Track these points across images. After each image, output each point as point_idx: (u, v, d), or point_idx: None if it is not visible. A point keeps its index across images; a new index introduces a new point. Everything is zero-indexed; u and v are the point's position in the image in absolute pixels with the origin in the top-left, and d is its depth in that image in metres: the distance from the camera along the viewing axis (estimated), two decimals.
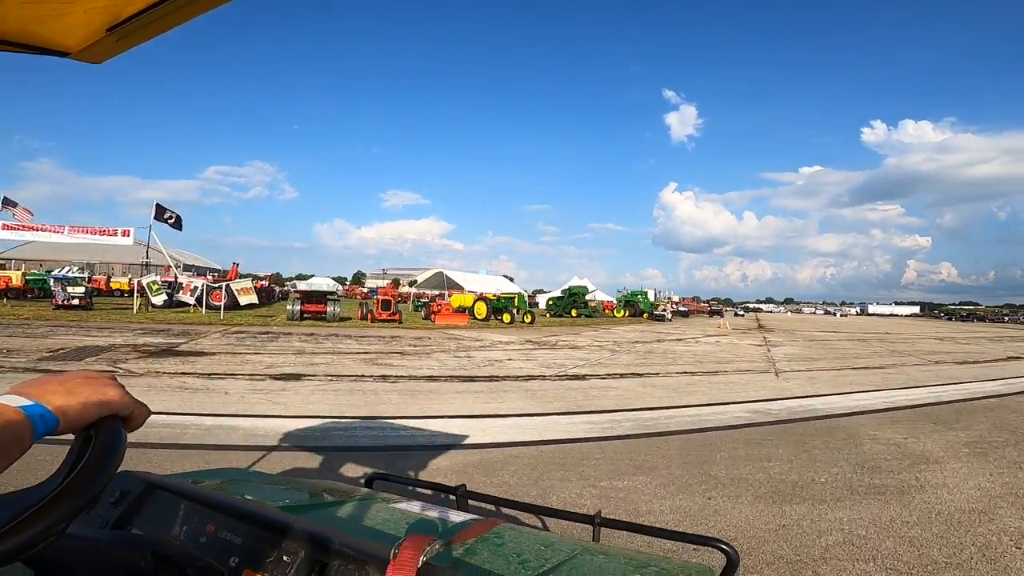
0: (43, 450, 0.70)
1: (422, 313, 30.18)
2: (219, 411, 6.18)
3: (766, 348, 19.08)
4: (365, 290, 71.67)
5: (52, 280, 27.09)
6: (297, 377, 8.90)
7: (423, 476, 4.24)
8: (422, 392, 8.13)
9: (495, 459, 4.86)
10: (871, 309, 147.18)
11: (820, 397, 8.88)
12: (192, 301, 25.16)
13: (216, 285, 26.22)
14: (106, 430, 0.57)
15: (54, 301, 23.14)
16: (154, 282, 25.81)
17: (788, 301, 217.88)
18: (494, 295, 31.80)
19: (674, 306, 56.59)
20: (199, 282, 26.46)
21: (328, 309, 23.44)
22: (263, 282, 43.22)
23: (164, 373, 8.81)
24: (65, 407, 0.54)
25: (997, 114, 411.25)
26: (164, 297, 25.46)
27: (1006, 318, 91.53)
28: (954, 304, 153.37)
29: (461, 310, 29.55)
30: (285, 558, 0.78)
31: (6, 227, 25.72)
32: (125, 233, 26.15)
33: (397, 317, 24.61)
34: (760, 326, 39.25)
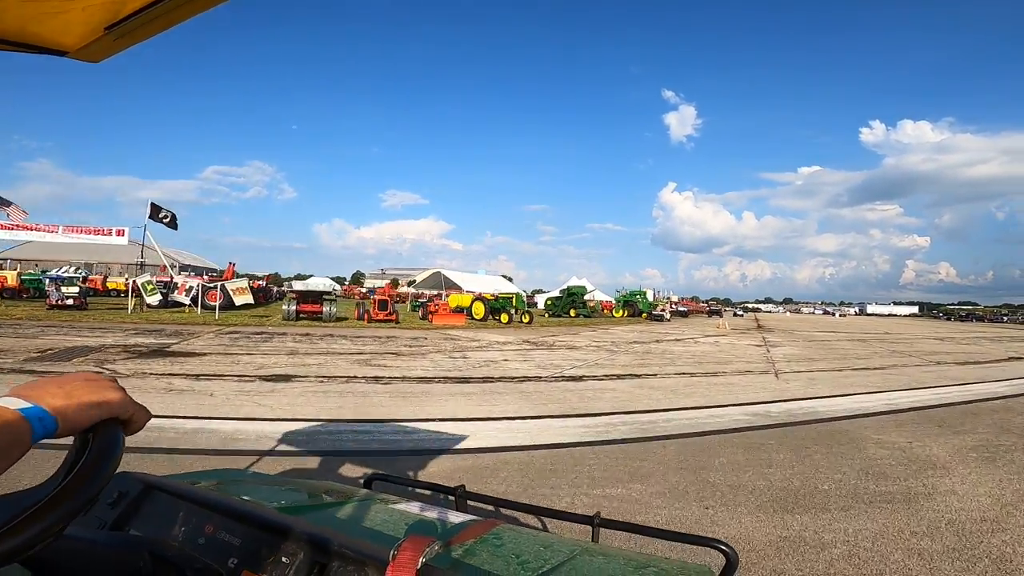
0: (44, 452, 0.67)
1: (419, 313, 29.98)
2: (201, 414, 5.99)
3: (765, 348, 18.89)
4: (363, 290, 71.51)
5: (47, 280, 26.88)
6: (287, 378, 8.71)
7: None
8: (414, 394, 7.93)
9: (484, 465, 4.67)
10: (870, 309, 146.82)
11: (821, 399, 8.68)
12: (187, 301, 24.93)
13: (212, 285, 25.98)
14: (104, 433, 0.57)
15: (48, 301, 22.95)
16: (149, 282, 25.59)
17: (787, 301, 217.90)
18: (492, 295, 31.61)
19: (673, 306, 56.29)
20: (194, 282, 26.19)
21: (324, 309, 23.30)
22: (260, 282, 43.03)
23: (151, 374, 8.62)
24: (64, 409, 0.54)
25: (996, 114, 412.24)
26: (159, 297, 25.24)
27: (1005, 318, 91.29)
28: (953, 304, 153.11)
29: (459, 310, 29.37)
30: (284, 559, 0.78)
31: (0, 227, 25.48)
32: (120, 233, 25.86)
33: (394, 317, 24.43)
34: (759, 326, 39.06)
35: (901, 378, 11.65)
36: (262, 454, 4.59)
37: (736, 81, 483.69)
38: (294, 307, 22.90)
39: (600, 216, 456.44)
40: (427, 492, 2.37)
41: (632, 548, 1.95)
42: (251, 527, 0.83)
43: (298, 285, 30.06)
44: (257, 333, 17.06)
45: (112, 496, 0.93)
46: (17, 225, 25.56)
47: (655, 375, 10.96)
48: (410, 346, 15.07)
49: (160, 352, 11.46)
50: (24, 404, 0.52)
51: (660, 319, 42.19)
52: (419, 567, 0.69)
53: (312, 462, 4.54)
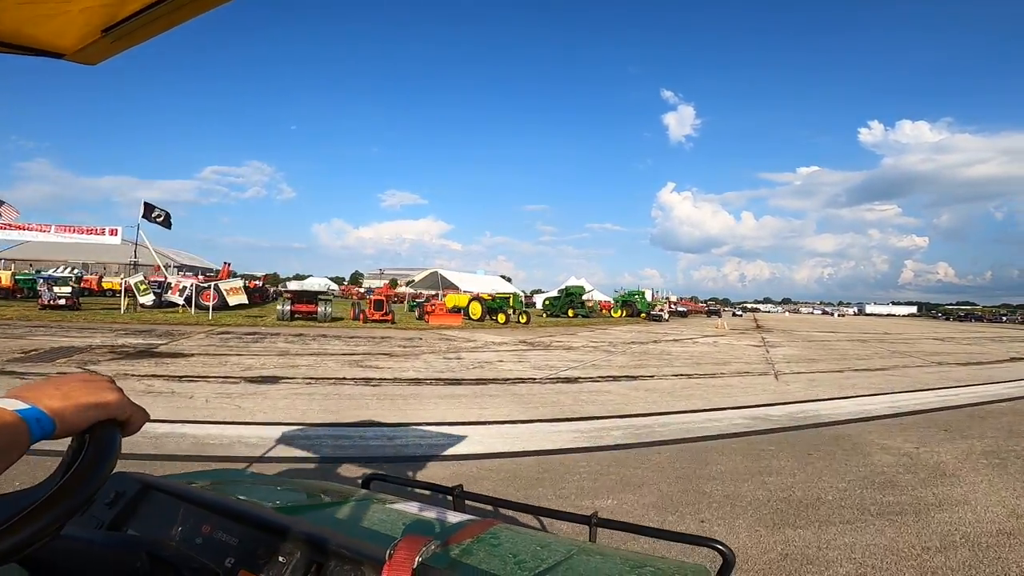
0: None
1: (416, 313, 29.73)
2: (174, 417, 5.73)
3: (765, 349, 18.65)
4: (361, 290, 71.21)
5: (39, 280, 26.59)
6: (275, 380, 8.46)
7: None
8: (403, 396, 7.68)
9: (468, 473, 4.41)
10: (868, 309, 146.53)
11: (823, 401, 8.44)
12: (181, 301, 24.64)
13: (206, 285, 25.72)
14: (101, 434, 0.56)
15: (40, 301, 22.67)
16: (141, 282, 25.27)
17: (786, 301, 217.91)
18: (489, 295, 31.34)
19: (672, 306, 55.95)
20: (188, 282, 25.90)
21: (319, 309, 23.03)
22: (257, 282, 42.71)
23: (132, 376, 8.36)
24: (62, 410, 0.54)
25: (994, 114, 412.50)
26: (152, 297, 24.96)
27: (1004, 318, 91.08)
28: (951, 304, 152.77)
29: (456, 310, 29.08)
30: (281, 559, 0.78)
31: None
32: (112, 232, 25.65)
33: (390, 317, 24.18)
34: (758, 326, 38.81)
35: (904, 379, 11.40)
36: (230, 460, 4.33)
37: (735, 81, 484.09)
38: (288, 307, 22.64)
39: (599, 216, 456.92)
40: (425, 492, 2.37)
41: (629, 548, 1.95)
42: (248, 527, 0.83)
43: (292, 285, 29.82)
44: (249, 333, 16.79)
45: (109, 496, 0.93)
46: (9, 225, 25.33)
47: (652, 376, 10.71)
48: (404, 347, 14.81)
49: (147, 353, 11.20)
50: (22, 405, 0.51)
51: (658, 319, 41.93)
52: (415, 566, 0.69)
53: (282, 469, 4.28)
